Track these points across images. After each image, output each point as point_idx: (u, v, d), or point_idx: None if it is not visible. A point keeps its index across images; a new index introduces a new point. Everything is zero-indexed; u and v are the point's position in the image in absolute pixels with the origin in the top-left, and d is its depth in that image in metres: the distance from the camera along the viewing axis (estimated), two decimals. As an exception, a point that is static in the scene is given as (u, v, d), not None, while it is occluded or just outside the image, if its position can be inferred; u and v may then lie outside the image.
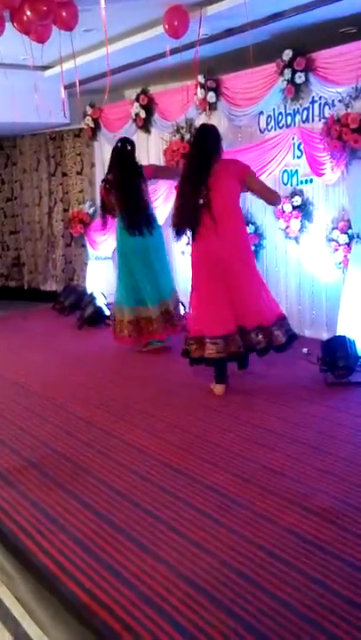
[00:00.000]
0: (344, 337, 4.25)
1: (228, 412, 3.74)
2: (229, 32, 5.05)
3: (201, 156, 3.96)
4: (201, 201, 3.87)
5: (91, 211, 7.10)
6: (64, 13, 4.20)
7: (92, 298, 6.51)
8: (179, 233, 4.07)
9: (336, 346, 4.16)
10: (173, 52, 4.92)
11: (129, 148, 5.09)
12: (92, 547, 2.38)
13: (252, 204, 5.38)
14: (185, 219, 3.99)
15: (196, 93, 5.56)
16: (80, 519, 2.59)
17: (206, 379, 4.16)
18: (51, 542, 2.43)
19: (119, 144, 5.12)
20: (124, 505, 2.68)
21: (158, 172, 5.32)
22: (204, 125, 4.23)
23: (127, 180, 5.00)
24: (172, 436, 3.40)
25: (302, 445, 3.19)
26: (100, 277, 6.98)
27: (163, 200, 6.09)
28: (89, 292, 6.84)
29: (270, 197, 4.18)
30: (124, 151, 5.07)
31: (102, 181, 5.29)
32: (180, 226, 4.04)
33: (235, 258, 3.97)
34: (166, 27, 4.65)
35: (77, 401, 4.09)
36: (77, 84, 4.88)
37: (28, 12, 4.07)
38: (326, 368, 4.12)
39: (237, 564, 2.22)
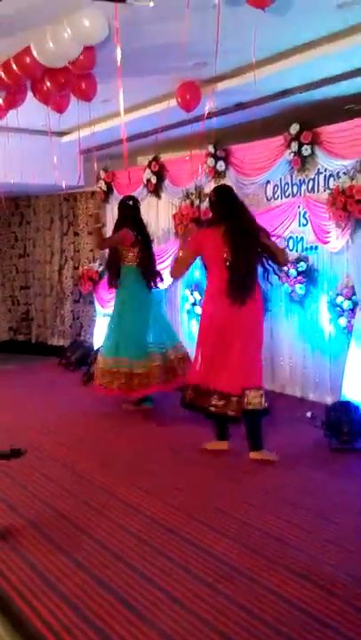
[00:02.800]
0: (349, 402, 4.25)
1: (232, 475, 3.71)
2: (239, 106, 5.31)
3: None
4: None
5: (100, 269, 7.26)
6: (83, 85, 4.43)
7: (98, 354, 6.55)
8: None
9: (341, 411, 4.16)
10: (185, 123, 5.16)
11: (136, 205, 5.29)
12: (86, 610, 2.33)
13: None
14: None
15: (205, 162, 5.79)
16: (75, 582, 2.54)
17: (210, 439, 4.14)
18: (43, 604, 2.39)
19: (131, 202, 5.28)
20: (120, 568, 2.64)
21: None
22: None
23: (146, 236, 5.25)
24: (175, 499, 3.36)
25: (307, 513, 3.15)
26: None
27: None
28: (96, 348, 6.89)
29: (282, 255, 4.15)
30: (138, 209, 5.26)
31: (129, 231, 5.16)
32: None
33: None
34: (179, 100, 4.91)
35: (80, 459, 4.07)
36: (95, 148, 5.09)
37: (48, 83, 4.32)
38: (330, 433, 4.11)
39: (239, 638, 2.16)
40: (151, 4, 2.75)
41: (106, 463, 3.96)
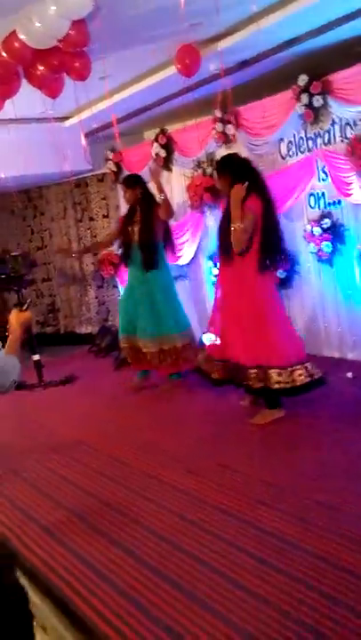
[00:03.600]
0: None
1: (277, 445, 3.60)
2: (244, 64, 5.07)
3: None
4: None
5: (120, 252, 7.14)
6: (77, 64, 4.27)
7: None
8: None
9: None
10: (188, 90, 4.96)
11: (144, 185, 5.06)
12: (143, 601, 2.27)
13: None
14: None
15: (214, 128, 5.58)
16: (127, 570, 2.48)
17: (250, 414, 4.03)
18: (99, 598, 2.33)
19: (135, 180, 5.09)
20: (171, 553, 2.56)
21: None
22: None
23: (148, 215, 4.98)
24: (220, 477, 3.27)
25: (358, 477, 3.02)
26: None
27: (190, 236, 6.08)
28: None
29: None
30: (145, 187, 5.05)
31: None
32: None
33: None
34: (178, 66, 4.70)
35: (118, 445, 4.00)
36: (110, 126, 4.91)
37: (41, 67, 4.16)
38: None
39: (301, 614, 2.07)
40: None
41: (145, 448, 3.88)
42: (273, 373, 3.82)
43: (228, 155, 4.33)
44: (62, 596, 2.40)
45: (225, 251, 3.96)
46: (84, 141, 5.64)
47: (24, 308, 2.58)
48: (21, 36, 3.66)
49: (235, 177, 3.87)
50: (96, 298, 8.16)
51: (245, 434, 3.85)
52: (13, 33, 3.70)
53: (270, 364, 3.83)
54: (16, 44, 3.77)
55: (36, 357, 5.99)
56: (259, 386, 3.89)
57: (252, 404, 4.21)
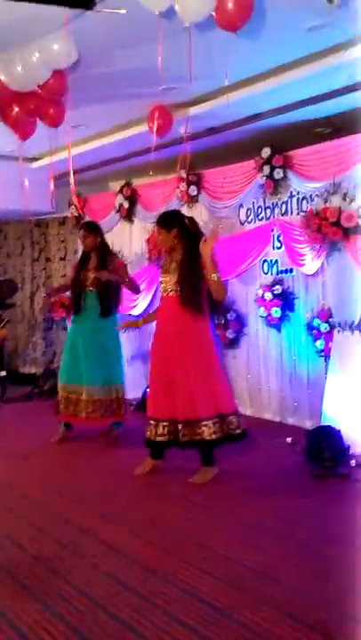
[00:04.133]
0: (330, 427, 4.18)
1: (213, 507, 3.57)
2: (211, 131, 5.31)
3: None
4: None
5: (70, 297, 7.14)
6: (51, 111, 4.36)
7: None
8: None
9: (321, 436, 4.08)
10: (157, 148, 5.12)
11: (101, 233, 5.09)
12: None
13: (233, 291, 5.45)
14: None
15: (178, 187, 5.75)
16: (50, 632, 2.38)
17: (189, 471, 4.02)
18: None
19: (96, 226, 5.09)
20: (99, 616, 2.48)
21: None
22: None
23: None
24: (154, 535, 3.21)
25: (292, 545, 3.03)
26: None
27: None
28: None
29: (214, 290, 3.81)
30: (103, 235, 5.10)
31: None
32: None
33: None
34: (150, 125, 4.87)
35: (53, 495, 3.89)
36: (71, 173, 4.94)
37: (17, 109, 4.23)
38: (312, 459, 4.02)
39: None
40: (122, 11, 2.70)
41: (81, 499, 3.78)
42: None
43: (174, 211, 4.41)
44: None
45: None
46: (52, 186, 5.69)
47: (1, 325, 2.83)
48: (1, 76, 3.73)
49: (185, 232, 3.87)
50: (43, 339, 8.07)
51: (182, 492, 3.82)
52: (-6, 72, 3.77)
53: (226, 411, 3.83)
54: (-6, 84, 3.83)
55: (3, 373, 6.02)
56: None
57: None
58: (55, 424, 5.25)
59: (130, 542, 3.14)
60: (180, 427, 3.83)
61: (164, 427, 3.92)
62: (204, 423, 3.77)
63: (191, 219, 4.01)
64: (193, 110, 4.89)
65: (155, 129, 4.64)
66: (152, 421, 3.96)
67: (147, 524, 3.36)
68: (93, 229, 5.08)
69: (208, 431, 3.77)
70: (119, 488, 3.98)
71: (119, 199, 6.43)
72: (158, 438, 3.93)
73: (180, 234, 3.86)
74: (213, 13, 3.04)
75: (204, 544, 3.08)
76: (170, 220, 3.95)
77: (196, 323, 3.81)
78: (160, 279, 3.98)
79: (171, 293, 3.85)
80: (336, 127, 5.20)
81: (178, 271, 3.82)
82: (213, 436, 3.78)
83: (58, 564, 2.95)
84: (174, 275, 3.83)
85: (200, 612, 2.47)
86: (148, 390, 4.43)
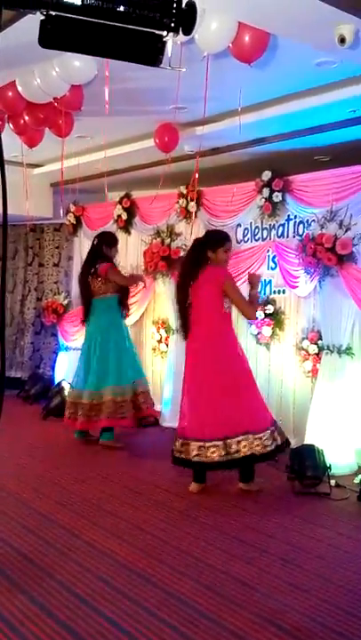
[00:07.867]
0: (313, 446, 4.28)
1: (197, 517, 3.65)
2: (215, 150, 5.45)
3: (186, 265, 4.18)
4: (186, 304, 4.05)
5: (65, 302, 7.20)
6: (60, 121, 4.46)
7: (59, 388, 6.42)
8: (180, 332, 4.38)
9: (305, 455, 4.18)
10: (163, 163, 5.25)
11: (95, 242, 5.29)
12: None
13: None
14: (178, 320, 4.32)
15: (177, 202, 5.87)
16: (40, 627, 2.44)
17: (174, 479, 4.09)
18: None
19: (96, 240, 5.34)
20: (86, 613, 2.54)
21: (110, 274, 5.20)
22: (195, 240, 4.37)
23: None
24: (139, 540, 3.28)
25: (272, 557, 3.12)
26: (70, 368, 6.94)
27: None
28: (57, 381, 6.77)
29: (244, 310, 4.11)
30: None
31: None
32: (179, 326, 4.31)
33: (206, 361, 4.02)
34: (157, 141, 5.00)
35: (40, 496, 3.94)
36: (77, 181, 5.08)
37: (26, 117, 4.33)
38: (294, 477, 4.12)
39: None
40: (183, 69, 2.96)
41: (67, 502, 3.84)
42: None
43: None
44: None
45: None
46: (51, 192, 5.80)
47: None
48: (19, 88, 3.82)
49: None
50: (32, 343, 8.09)
51: (167, 501, 3.89)
52: (12, 83, 3.86)
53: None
54: (10, 94, 3.93)
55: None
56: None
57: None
58: (42, 427, 5.29)
59: (115, 545, 3.21)
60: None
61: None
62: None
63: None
64: (200, 130, 5.03)
65: (161, 144, 4.79)
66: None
67: (133, 528, 3.43)
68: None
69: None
70: (107, 493, 4.04)
71: (118, 210, 6.53)
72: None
73: None
74: (230, 45, 3.17)
75: (186, 550, 3.16)
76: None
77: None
78: None
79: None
80: (335, 156, 5.39)
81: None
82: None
83: (47, 562, 3.01)
84: None
85: (181, 613, 2.55)
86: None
